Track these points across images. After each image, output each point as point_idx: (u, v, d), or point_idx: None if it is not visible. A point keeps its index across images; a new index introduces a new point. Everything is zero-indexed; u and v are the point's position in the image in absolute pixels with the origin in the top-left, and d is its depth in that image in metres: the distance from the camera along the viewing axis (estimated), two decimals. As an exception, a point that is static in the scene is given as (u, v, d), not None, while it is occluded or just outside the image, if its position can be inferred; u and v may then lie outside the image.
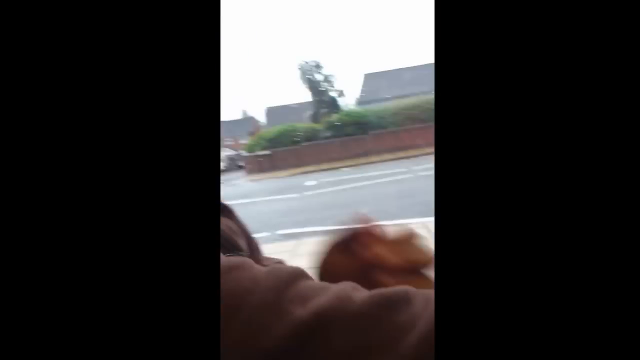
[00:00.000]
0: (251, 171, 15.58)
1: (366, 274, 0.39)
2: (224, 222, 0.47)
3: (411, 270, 0.40)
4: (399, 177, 9.01)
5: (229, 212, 0.52)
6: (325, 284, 0.29)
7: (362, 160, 13.42)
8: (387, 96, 20.01)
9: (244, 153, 18.70)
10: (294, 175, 12.77)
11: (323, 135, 15.62)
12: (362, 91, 24.52)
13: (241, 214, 0.53)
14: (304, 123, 18.26)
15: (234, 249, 0.44)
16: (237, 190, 11.17)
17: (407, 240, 0.41)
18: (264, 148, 15.84)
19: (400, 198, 6.69)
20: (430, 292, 0.27)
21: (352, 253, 0.40)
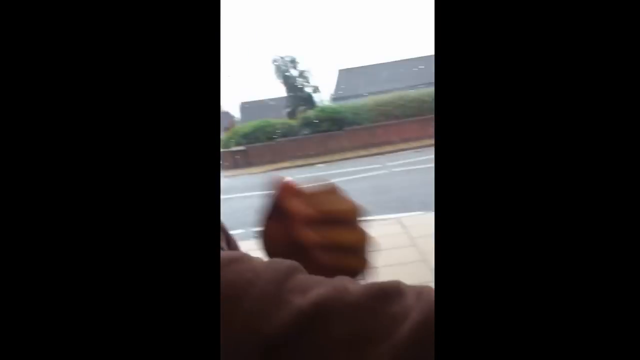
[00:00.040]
0: (226, 167, 15.45)
1: (291, 232, 0.39)
2: None
3: (330, 221, 0.40)
4: (374, 173, 9.08)
5: None
6: (321, 277, 0.30)
7: (337, 156, 13.46)
8: (363, 92, 20.10)
9: (218, 149, 18.38)
10: (269, 171, 12.72)
11: (298, 131, 15.60)
12: (338, 87, 24.57)
13: (215, 210, 0.53)
14: (279, 119, 18.17)
15: None
16: (211, 187, 10.99)
17: (325, 192, 0.41)
18: (239, 144, 15.70)
19: (375, 194, 6.74)
20: (422, 287, 0.28)
21: (279, 217, 0.41)
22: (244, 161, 15.19)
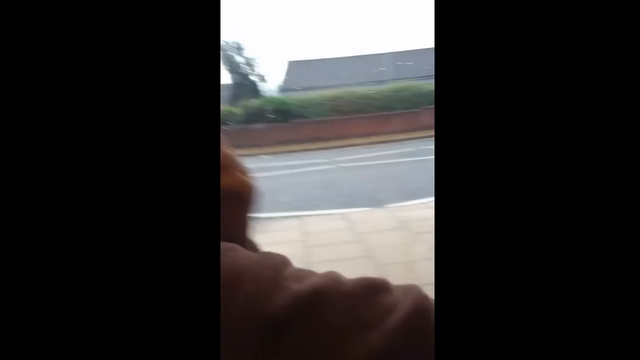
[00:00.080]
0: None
1: None
2: None
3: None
4: (321, 167, 9.12)
5: None
6: (311, 270, 0.31)
7: (283, 148, 13.39)
8: (312, 86, 20.12)
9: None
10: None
11: (241, 120, 15.37)
12: (286, 79, 24.44)
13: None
14: (222, 106, 17.78)
15: None
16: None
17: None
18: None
19: (322, 189, 6.78)
20: (408, 285, 0.30)
21: None
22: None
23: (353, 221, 4.34)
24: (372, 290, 0.29)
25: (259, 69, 23.01)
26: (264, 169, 9.16)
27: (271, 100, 16.23)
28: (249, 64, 22.48)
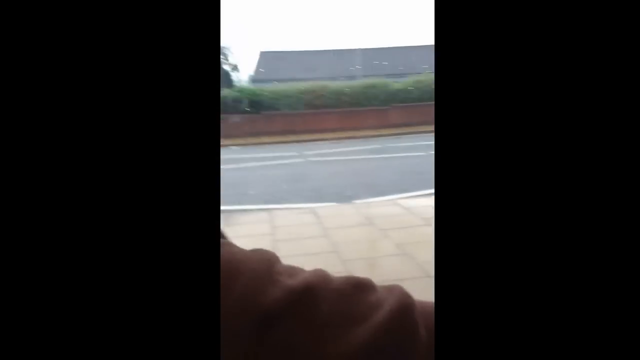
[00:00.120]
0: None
1: None
2: None
3: None
4: (290, 161, 9.10)
5: None
6: (300, 267, 0.32)
7: (253, 140, 13.28)
8: (283, 78, 20.01)
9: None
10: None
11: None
12: (258, 69, 24.21)
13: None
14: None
15: None
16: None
17: None
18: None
19: (290, 182, 6.77)
20: (392, 285, 0.32)
21: None
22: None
23: (321, 216, 4.36)
24: (359, 288, 0.30)
25: (232, 58, 22.69)
26: (234, 160, 9.06)
27: (243, 91, 16.03)
28: (222, 52, 22.15)
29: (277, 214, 4.57)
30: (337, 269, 2.76)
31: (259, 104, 15.07)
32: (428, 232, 3.61)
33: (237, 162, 8.81)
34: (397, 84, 15.30)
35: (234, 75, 22.07)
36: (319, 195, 5.60)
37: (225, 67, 22.12)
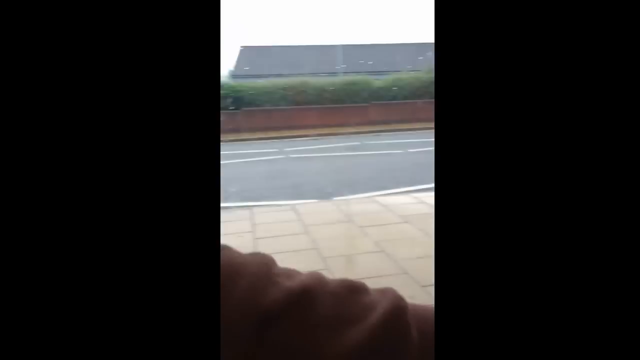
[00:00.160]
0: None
1: None
2: None
3: None
4: (270, 157, 9.07)
5: None
6: (295, 270, 0.33)
7: (232, 136, 13.18)
8: (264, 73, 19.89)
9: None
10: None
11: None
12: (238, 65, 24.00)
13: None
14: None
15: None
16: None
17: None
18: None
19: (270, 179, 6.74)
20: (385, 288, 0.32)
21: None
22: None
23: (301, 213, 4.35)
24: (354, 291, 0.31)
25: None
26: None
27: (223, 87, 15.89)
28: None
29: (258, 211, 4.55)
30: (318, 266, 2.77)
31: (240, 100, 14.96)
32: (405, 230, 3.65)
33: (216, 158, 8.70)
34: (378, 81, 15.38)
35: (215, 71, 21.75)
36: (299, 192, 5.60)
37: (205, 62, 21.78)
